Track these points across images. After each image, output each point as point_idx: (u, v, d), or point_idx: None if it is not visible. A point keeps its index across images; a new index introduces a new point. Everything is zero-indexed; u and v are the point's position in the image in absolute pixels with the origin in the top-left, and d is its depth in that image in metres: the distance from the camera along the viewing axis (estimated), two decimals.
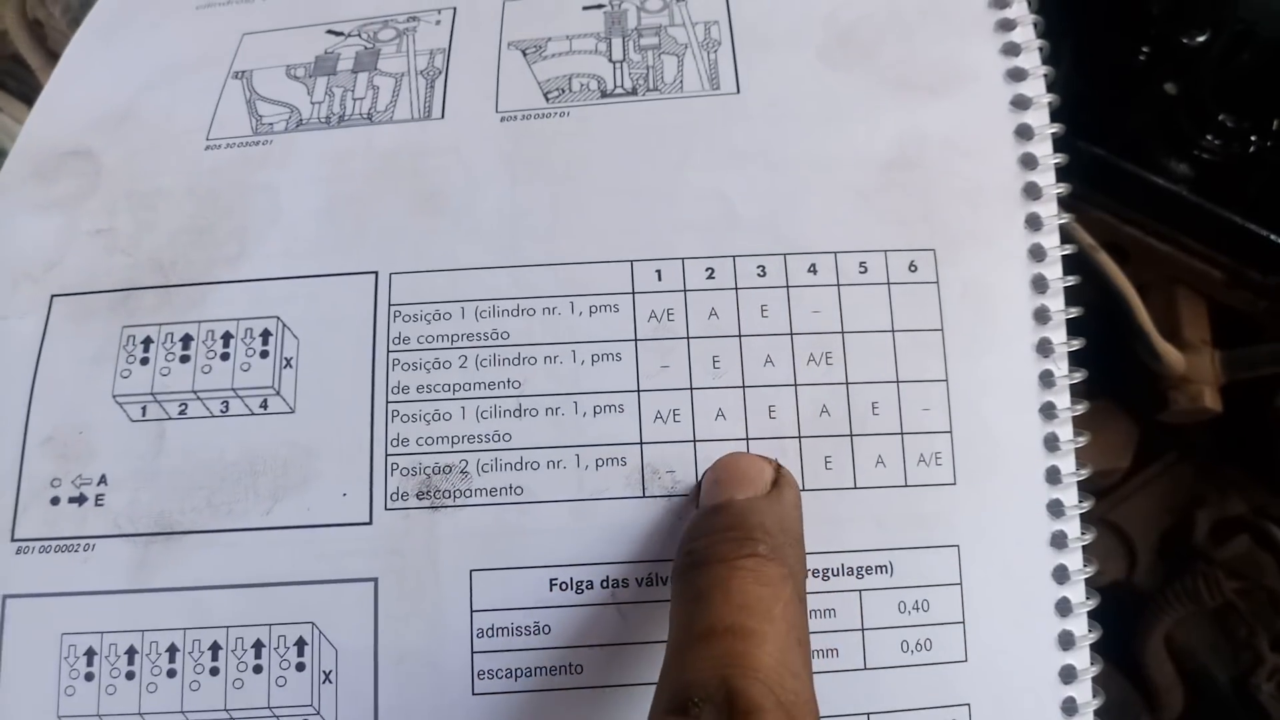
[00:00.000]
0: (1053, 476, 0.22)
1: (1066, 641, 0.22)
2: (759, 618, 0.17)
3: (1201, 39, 0.37)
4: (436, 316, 0.23)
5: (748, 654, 0.16)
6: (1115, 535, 0.44)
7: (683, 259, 0.23)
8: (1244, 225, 0.36)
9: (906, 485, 0.22)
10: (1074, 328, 0.23)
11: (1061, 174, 0.24)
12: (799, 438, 0.22)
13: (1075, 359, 0.23)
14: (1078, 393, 0.23)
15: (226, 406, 0.23)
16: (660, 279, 0.23)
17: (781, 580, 0.18)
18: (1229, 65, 0.37)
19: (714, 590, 0.17)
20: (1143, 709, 0.44)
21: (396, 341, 0.23)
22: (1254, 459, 0.41)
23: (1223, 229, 0.36)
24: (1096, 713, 0.22)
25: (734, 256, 0.23)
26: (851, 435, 0.22)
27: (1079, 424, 0.23)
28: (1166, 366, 0.36)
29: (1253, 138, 0.37)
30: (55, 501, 0.22)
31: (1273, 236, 0.35)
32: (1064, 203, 0.24)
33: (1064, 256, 0.23)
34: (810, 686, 0.17)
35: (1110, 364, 0.36)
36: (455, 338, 0.23)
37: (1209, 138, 0.37)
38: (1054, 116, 0.24)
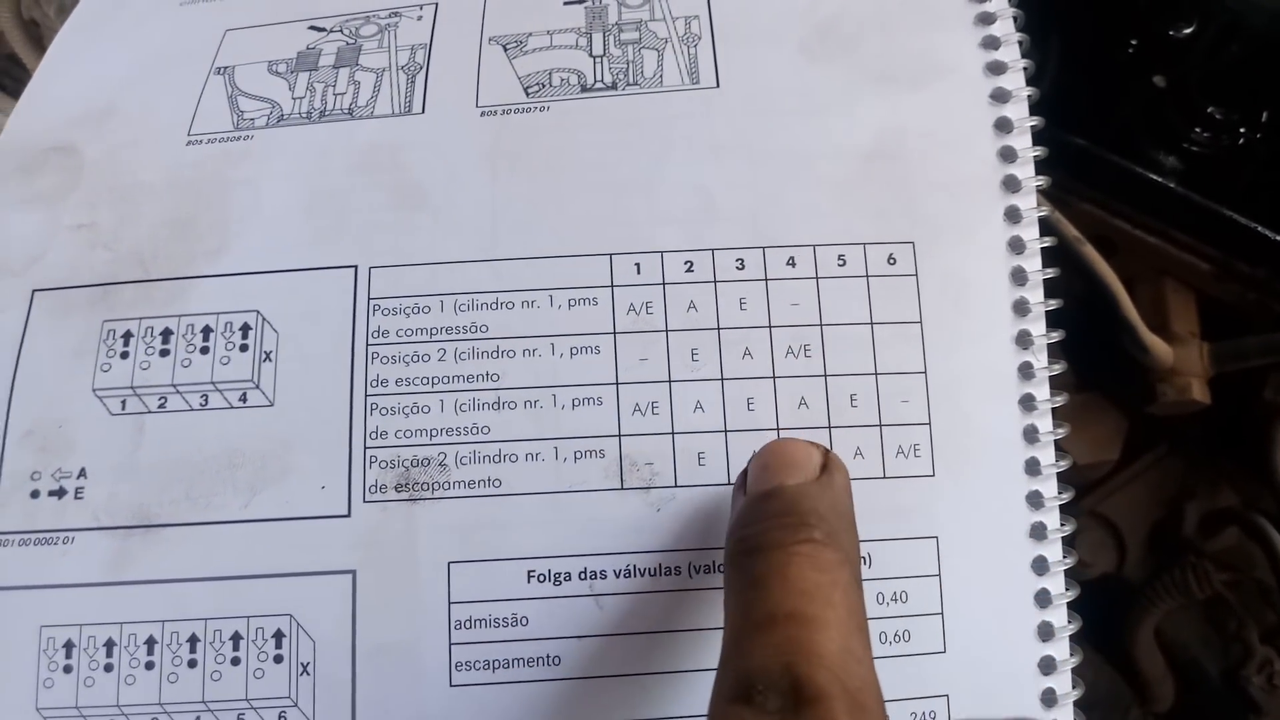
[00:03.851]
0: (1032, 468, 0.22)
1: (1046, 633, 0.22)
2: (819, 604, 0.16)
3: (1189, 31, 0.36)
4: (415, 310, 0.23)
5: (811, 640, 0.16)
6: (1105, 527, 0.43)
7: (661, 252, 0.23)
8: (1232, 217, 0.35)
9: (885, 477, 0.22)
10: (1058, 320, 0.23)
11: (1047, 166, 0.24)
12: (777, 430, 0.22)
13: (1057, 351, 0.23)
14: (1061, 385, 0.23)
15: (206, 400, 0.23)
16: (639, 272, 0.23)
17: (839, 565, 0.17)
18: (1217, 57, 0.37)
19: (771, 577, 0.17)
20: (1133, 701, 0.44)
21: (375, 335, 0.23)
22: (1243, 451, 0.41)
23: (1211, 221, 0.36)
24: (1076, 704, 0.22)
25: (713, 250, 0.23)
26: (830, 427, 0.22)
27: (1059, 416, 0.23)
28: (1154, 359, 0.36)
29: (1241, 130, 0.36)
30: (35, 495, 0.22)
31: (1261, 229, 0.35)
32: (1051, 195, 0.24)
33: (1044, 249, 0.23)
34: (874, 672, 0.16)
35: (1098, 356, 0.36)
36: (434, 331, 0.23)
37: (1197, 130, 0.36)
38: (1040, 109, 0.24)
